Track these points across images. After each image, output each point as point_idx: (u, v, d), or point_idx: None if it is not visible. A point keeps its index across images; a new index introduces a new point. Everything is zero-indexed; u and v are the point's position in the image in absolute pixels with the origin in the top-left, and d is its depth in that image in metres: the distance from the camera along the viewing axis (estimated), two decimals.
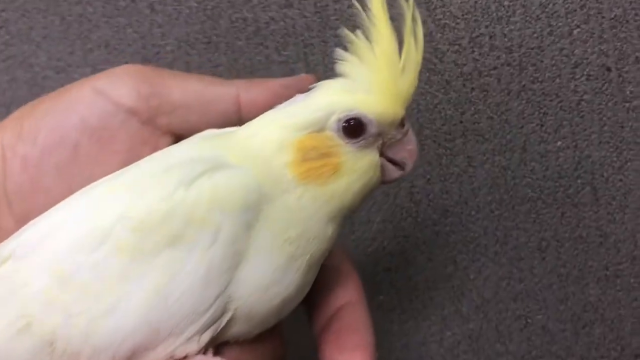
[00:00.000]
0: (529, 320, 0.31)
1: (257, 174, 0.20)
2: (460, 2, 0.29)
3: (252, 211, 0.20)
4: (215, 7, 0.31)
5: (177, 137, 0.23)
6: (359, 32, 0.21)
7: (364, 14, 0.20)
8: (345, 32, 0.20)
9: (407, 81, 0.22)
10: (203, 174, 0.20)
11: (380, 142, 0.22)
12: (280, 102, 0.22)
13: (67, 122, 0.23)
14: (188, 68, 0.32)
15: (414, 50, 0.21)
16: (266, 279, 0.20)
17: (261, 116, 0.22)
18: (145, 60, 0.32)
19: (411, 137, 0.22)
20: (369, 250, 0.32)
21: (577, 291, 0.31)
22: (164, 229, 0.19)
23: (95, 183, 0.21)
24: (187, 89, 0.24)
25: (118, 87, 0.23)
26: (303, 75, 0.25)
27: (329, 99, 0.21)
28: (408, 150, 0.22)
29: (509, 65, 0.29)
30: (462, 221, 0.31)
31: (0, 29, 0.34)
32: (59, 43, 0.33)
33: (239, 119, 0.23)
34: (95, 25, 0.33)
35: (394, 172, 0.22)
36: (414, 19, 0.21)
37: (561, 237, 0.30)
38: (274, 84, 0.24)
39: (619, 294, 0.31)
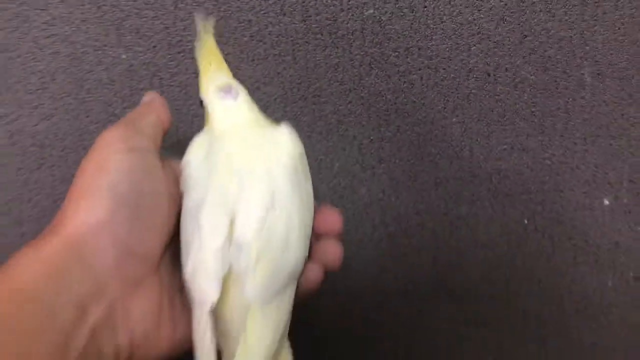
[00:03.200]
0: None
1: None
2: (402, 23, 0.43)
3: None
4: (227, 10, 0.42)
5: None
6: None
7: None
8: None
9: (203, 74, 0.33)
10: None
11: None
12: None
13: None
14: None
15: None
16: None
17: None
18: (170, 46, 0.42)
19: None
20: None
21: None
22: None
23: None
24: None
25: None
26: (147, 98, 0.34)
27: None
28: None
29: (428, 68, 0.44)
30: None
31: (43, 11, 0.41)
32: (96, 26, 0.41)
33: None
34: (127, 15, 0.41)
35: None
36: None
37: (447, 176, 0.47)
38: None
39: None
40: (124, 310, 0.28)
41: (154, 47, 0.41)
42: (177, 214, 0.31)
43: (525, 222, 0.47)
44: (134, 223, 0.29)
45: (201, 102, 0.34)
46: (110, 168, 0.28)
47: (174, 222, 0.31)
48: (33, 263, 0.26)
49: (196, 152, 0.32)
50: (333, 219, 0.33)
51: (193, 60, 0.35)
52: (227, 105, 0.33)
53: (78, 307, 0.26)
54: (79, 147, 0.43)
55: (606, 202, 0.47)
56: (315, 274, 0.32)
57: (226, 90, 0.33)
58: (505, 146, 0.45)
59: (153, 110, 0.33)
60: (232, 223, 0.29)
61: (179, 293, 0.31)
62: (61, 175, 0.43)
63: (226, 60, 0.34)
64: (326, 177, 0.45)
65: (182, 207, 0.31)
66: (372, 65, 0.43)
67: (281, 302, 0.30)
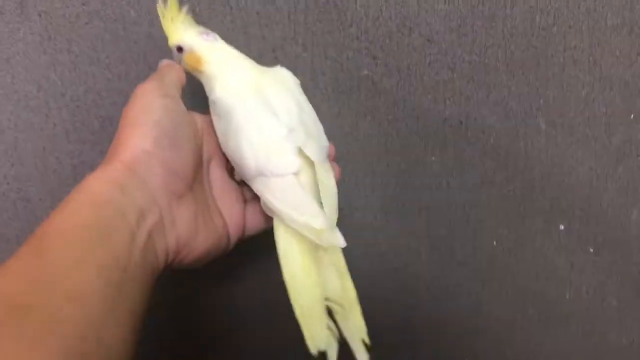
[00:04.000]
0: None
1: None
2: (391, 82, 0.53)
3: None
4: None
5: None
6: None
7: None
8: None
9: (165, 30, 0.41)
10: None
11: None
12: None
13: None
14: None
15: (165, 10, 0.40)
16: None
17: None
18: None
19: None
20: None
21: None
22: None
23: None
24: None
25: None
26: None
27: None
28: None
29: (411, 117, 0.54)
30: None
31: (105, 70, 0.51)
32: None
33: None
34: None
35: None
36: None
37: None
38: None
39: None
40: (170, 218, 0.35)
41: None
42: (200, 144, 0.40)
43: (494, 243, 0.56)
44: (174, 149, 0.36)
45: (180, 49, 0.41)
46: (153, 108, 0.36)
47: (200, 150, 0.40)
48: (103, 180, 0.33)
49: (224, 86, 0.40)
50: (331, 150, 0.44)
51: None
52: (215, 46, 0.41)
53: (139, 213, 0.33)
54: None
55: (561, 227, 0.56)
56: (336, 169, 0.43)
57: (207, 33, 0.42)
58: (475, 180, 0.55)
59: (172, 70, 0.41)
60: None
61: (206, 209, 0.39)
62: None
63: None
64: None
65: (223, 128, 0.40)
66: (367, 115, 0.52)
67: (329, 168, 0.40)
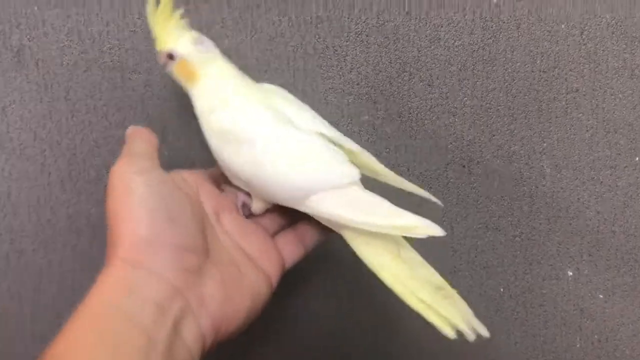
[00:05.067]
0: None
1: None
2: (391, 127, 0.52)
3: None
4: None
5: None
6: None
7: None
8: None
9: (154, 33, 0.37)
10: None
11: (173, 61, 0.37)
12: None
13: None
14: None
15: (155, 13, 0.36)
16: None
17: None
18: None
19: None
20: None
21: None
22: None
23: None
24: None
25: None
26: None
27: None
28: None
29: (414, 161, 0.53)
30: None
31: (102, 119, 0.51)
32: None
33: None
34: None
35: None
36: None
37: None
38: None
39: None
40: (196, 297, 0.32)
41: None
42: (198, 205, 0.36)
43: (501, 290, 0.55)
44: (172, 225, 0.32)
45: (170, 56, 0.37)
46: (134, 189, 0.32)
47: (201, 211, 0.36)
48: (106, 288, 0.30)
49: (230, 107, 0.37)
50: None
51: None
52: (211, 58, 0.38)
53: (155, 309, 0.29)
54: None
55: (570, 273, 0.54)
56: None
57: (202, 41, 0.38)
58: (480, 225, 0.53)
59: (140, 138, 0.37)
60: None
61: (234, 267, 0.35)
62: None
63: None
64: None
65: (236, 155, 0.36)
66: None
67: (369, 154, 0.41)
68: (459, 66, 0.50)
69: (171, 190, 0.34)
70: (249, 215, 0.40)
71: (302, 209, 0.37)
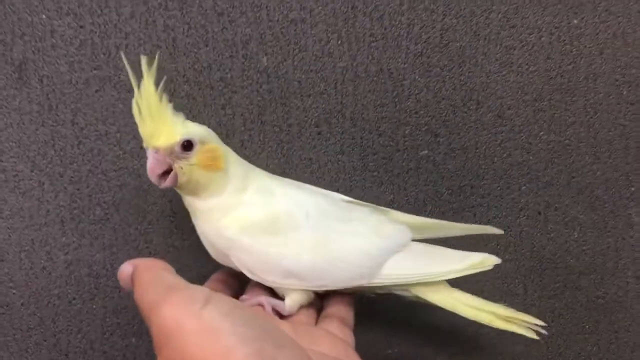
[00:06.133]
0: None
1: None
2: (455, 163, 0.45)
3: None
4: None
5: None
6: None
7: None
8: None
9: (144, 129, 0.31)
10: None
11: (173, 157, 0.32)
12: None
13: None
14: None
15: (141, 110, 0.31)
16: None
17: None
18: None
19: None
20: None
21: None
22: None
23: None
24: None
25: None
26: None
27: None
28: None
29: (480, 206, 0.45)
30: None
31: (115, 146, 0.43)
32: None
33: None
34: None
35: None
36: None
37: None
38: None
39: None
40: None
41: None
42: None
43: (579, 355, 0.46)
44: (282, 350, 0.25)
45: (188, 145, 0.32)
46: (216, 327, 0.24)
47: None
48: None
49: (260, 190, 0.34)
50: None
51: None
52: (191, 161, 0.32)
53: None
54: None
55: None
56: None
57: (188, 145, 0.32)
58: (558, 284, 0.45)
59: (153, 268, 0.28)
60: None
61: None
62: (113, 307, 0.42)
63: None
64: None
65: (290, 240, 0.33)
66: (426, 202, 0.44)
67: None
68: (534, 95, 0.44)
69: (253, 311, 0.28)
70: (281, 317, 0.34)
71: (372, 281, 0.35)
